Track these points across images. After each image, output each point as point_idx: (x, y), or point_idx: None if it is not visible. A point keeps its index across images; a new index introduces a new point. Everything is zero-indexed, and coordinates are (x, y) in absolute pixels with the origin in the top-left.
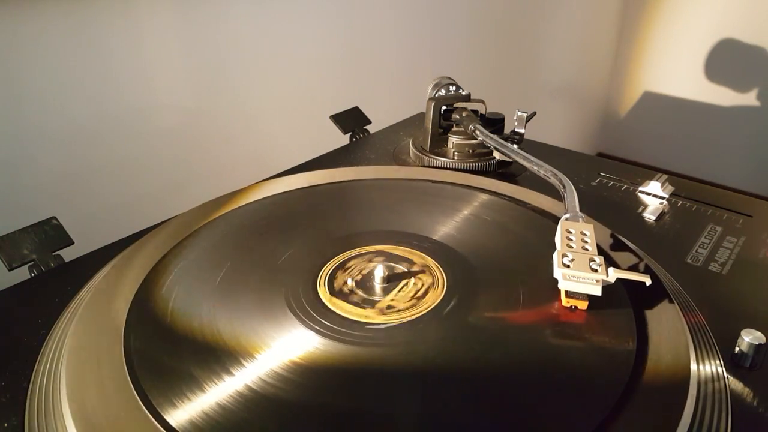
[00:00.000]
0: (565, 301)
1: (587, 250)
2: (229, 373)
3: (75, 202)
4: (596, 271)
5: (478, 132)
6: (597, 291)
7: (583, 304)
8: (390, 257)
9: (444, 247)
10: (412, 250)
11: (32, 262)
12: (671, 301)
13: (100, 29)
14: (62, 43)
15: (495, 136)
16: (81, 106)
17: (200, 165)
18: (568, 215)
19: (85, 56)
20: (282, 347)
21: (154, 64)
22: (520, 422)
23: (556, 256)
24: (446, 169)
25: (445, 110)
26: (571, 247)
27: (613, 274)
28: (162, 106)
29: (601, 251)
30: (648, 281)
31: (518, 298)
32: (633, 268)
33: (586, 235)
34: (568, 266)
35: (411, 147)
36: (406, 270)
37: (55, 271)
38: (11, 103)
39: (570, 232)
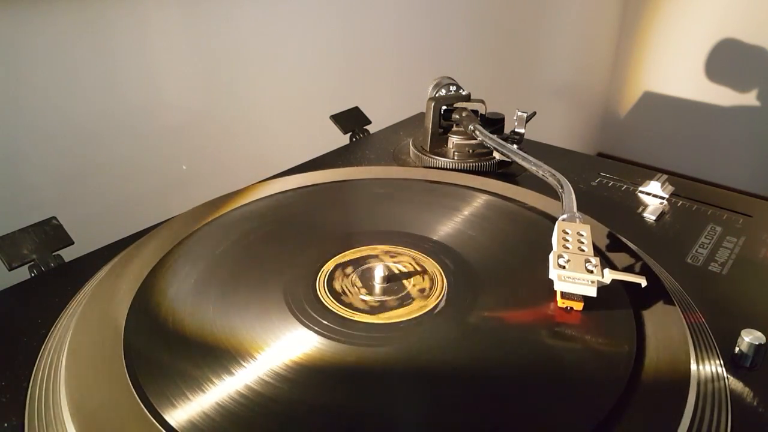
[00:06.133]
0: (560, 302)
1: (583, 251)
2: (229, 372)
3: (75, 202)
4: (592, 272)
5: (477, 132)
6: (592, 292)
7: (578, 305)
8: (390, 257)
9: (444, 247)
10: (412, 250)
11: (32, 262)
12: (671, 302)
13: (105, 28)
14: (65, 41)
15: (494, 136)
16: (82, 105)
17: (200, 165)
18: (565, 216)
19: (88, 55)
20: (281, 347)
21: (155, 64)
22: (519, 422)
23: (552, 257)
24: (446, 169)
25: (445, 110)
26: (568, 248)
27: (609, 275)
28: (162, 106)
29: (599, 251)
30: (644, 282)
31: (517, 298)
32: (631, 269)
33: (582, 235)
34: (564, 267)
35: (411, 147)
36: (405, 270)
37: (55, 271)
38: (12, 102)
39: (566, 233)
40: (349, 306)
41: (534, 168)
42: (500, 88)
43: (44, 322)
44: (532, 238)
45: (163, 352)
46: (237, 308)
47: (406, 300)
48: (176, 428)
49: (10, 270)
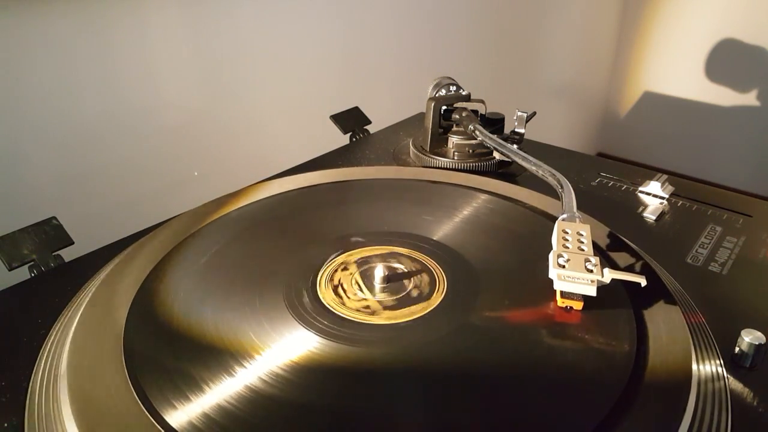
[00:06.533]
0: (560, 302)
1: (583, 250)
2: (229, 373)
3: (75, 202)
4: (591, 271)
5: (477, 132)
6: (592, 291)
7: (578, 305)
8: (390, 257)
9: (444, 247)
10: (412, 250)
11: (32, 262)
12: (672, 301)
13: (105, 28)
14: (65, 41)
15: (494, 136)
16: (82, 105)
17: (200, 165)
18: (565, 215)
19: (88, 55)
20: (282, 347)
21: (155, 64)
22: (519, 422)
23: (551, 257)
24: (446, 169)
25: (445, 110)
26: (567, 248)
27: (609, 275)
28: (163, 105)
29: (599, 251)
30: (643, 282)
31: (517, 298)
32: (632, 268)
33: (582, 235)
34: (564, 266)
35: (411, 147)
36: (406, 270)
37: (55, 271)
38: (13, 102)
39: (566, 233)
40: (350, 306)
41: (534, 168)
42: (500, 88)
43: (44, 322)
44: (532, 238)
45: (163, 353)
46: (237, 308)
47: (406, 300)
48: (176, 429)
49: (10, 270)
